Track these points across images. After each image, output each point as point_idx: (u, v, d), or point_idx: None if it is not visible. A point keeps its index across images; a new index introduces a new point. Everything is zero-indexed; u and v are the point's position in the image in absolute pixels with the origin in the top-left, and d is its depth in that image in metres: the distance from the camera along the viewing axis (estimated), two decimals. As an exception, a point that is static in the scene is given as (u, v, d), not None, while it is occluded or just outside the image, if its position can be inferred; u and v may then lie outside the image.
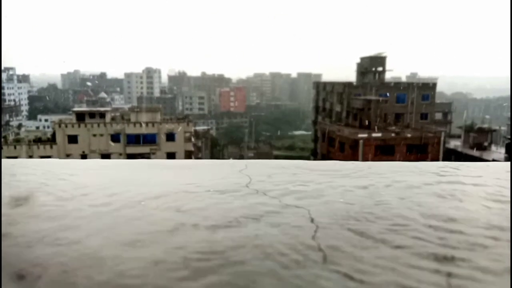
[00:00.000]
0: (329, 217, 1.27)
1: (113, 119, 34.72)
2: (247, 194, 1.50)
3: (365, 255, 1.03)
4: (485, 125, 37.05)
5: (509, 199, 1.45)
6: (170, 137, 33.96)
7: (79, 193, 1.52)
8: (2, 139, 32.80)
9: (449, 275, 0.94)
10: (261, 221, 1.23)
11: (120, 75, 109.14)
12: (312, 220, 1.24)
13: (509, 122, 44.82)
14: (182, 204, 1.39)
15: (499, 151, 34.14)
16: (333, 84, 41.37)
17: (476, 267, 0.97)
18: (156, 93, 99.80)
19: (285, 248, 1.05)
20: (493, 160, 27.12)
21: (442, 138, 33.36)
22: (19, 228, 1.19)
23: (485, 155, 32.18)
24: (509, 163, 1.98)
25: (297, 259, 1.00)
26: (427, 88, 39.01)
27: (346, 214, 1.30)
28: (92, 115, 34.12)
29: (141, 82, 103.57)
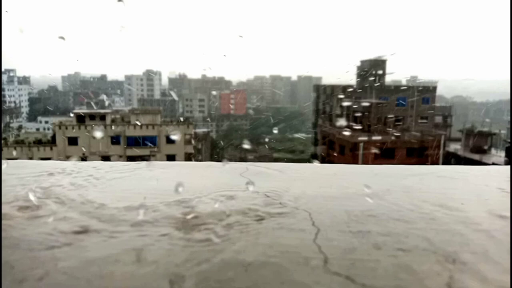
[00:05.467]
0: (330, 219, 1.27)
1: (113, 121, 34.75)
2: (248, 197, 1.50)
3: (366, 258, 1.03)
4: (485, 129, 37.06)
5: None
6: (170, 139, 34.00)
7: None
8: (2, 141, 32.77)
9: (451, 278, 0.94)
10: (262, 224, 1.23)
11: (120, 77, 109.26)
12: (313, 223, 1.24)
13: (509, 126, 44.83)
14: (182, 206, 1.39)
15: (499, 155, 34.15)
16: (333, 87, 41.43)
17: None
18: (157, 95, 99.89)
19: (287, 251, 1.06)
20: (493, 164, 27.13)
21: (442, 142, 33.37)
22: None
23: (485, 158, 32.20)
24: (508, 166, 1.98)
25: (298, 262, 1.00)
26: (427, 92, 39.06)
27: (347, 216, 1.30)
28: (92, 117, 34.16)
29: (142, 85, 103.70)
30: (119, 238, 1.13)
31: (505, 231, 1.20)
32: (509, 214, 1.32)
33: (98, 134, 31.63)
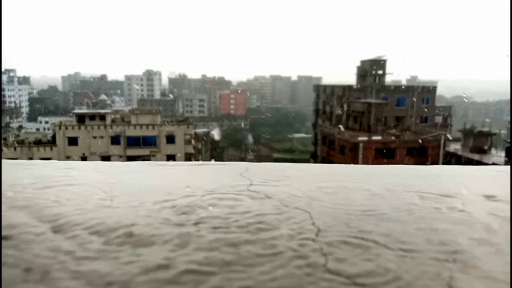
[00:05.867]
0: (330, 219, 1.28)
1: (113, 121, 34.73)
2: (248, 196, 1.50)
3: (366, 258, 1.03)
4: (485, 129, 37.07)
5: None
6: (170, 139, 33.99)
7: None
8: (2, 141, 32.75)
9: (451, 278, 0.94)
10: (263, 224, 1.23)
11: (120, 77, 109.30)
12: (313, 223, 1.24)
13: (509, 126, 44.86)
14: (183, 206, 1.39)
15: (499, 155, 34.14)
16: (333, 87, 41.45)
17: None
18: (157, 95, 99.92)
19: (287, 251, 1.06)
20: (493, 164, 27.13)
21: (442, 142, 33.37)
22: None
23: (485, 158, 32.20)
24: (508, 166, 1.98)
25: (299, 262, 1.00)
26: (427, 92, 39.08)
27: (347, 216, 1.30)
28: (92, 117, 34.14)
29: (142, 85, 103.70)
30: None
31: (505, 231, 1.20)
32: (509, 214, 1.31)
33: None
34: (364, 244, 1.11)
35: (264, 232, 1.18)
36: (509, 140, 34.34)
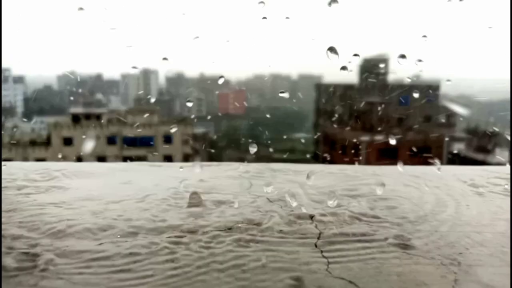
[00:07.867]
0: (332, 221, 1.26)
1: (109, 121, 34.50)
2: (248, 197, 1.51)
3: (369, 261, 1.02)
4: (489, 128, 36.75)
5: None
6: (167, 139, 33.85)
7: None
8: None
9: (455, 281, 0.92)
10: (263, 224, 1.23)
11: (116, 76, 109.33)
12: (315, 226, 1.23)
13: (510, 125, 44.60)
14: (183, 207, 1.40)
15: (503, 155, 33.94)
16: (334, 86, 41.15)
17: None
18: (154, 94, 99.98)
19: (287, 252, 1.06)
20: (497, 164, 26.78)
21: (445, 141, 33.17)
22: None
23: (489, 158, 31.94)
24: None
25: (299, 263, 1.00)
26: (430, 90, 38.70)
27: (350, 219, 1.29)
28: (87, 117, 34.00)
29: (138, 84, 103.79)
30: None
31: (507, 232, 1.19)
32: (509, 215, 1.32)
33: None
34: (367, 246, 1.12)
35: (263, 233, 1.18)
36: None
